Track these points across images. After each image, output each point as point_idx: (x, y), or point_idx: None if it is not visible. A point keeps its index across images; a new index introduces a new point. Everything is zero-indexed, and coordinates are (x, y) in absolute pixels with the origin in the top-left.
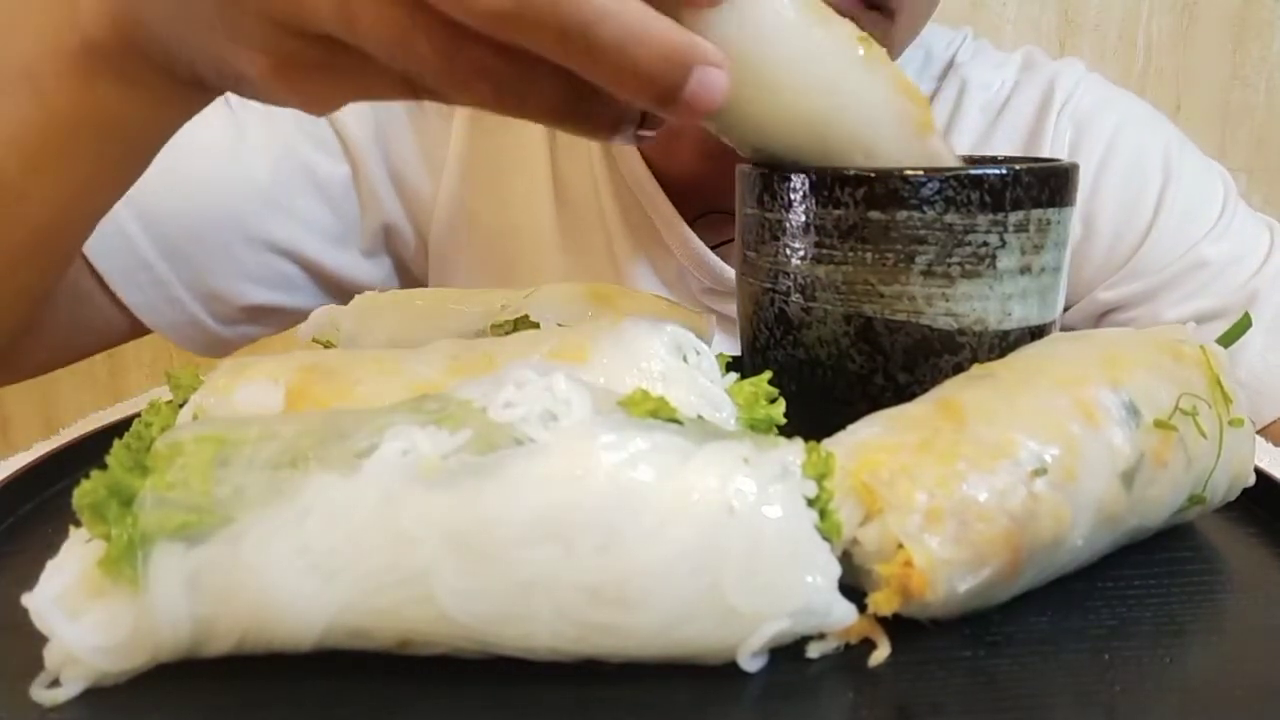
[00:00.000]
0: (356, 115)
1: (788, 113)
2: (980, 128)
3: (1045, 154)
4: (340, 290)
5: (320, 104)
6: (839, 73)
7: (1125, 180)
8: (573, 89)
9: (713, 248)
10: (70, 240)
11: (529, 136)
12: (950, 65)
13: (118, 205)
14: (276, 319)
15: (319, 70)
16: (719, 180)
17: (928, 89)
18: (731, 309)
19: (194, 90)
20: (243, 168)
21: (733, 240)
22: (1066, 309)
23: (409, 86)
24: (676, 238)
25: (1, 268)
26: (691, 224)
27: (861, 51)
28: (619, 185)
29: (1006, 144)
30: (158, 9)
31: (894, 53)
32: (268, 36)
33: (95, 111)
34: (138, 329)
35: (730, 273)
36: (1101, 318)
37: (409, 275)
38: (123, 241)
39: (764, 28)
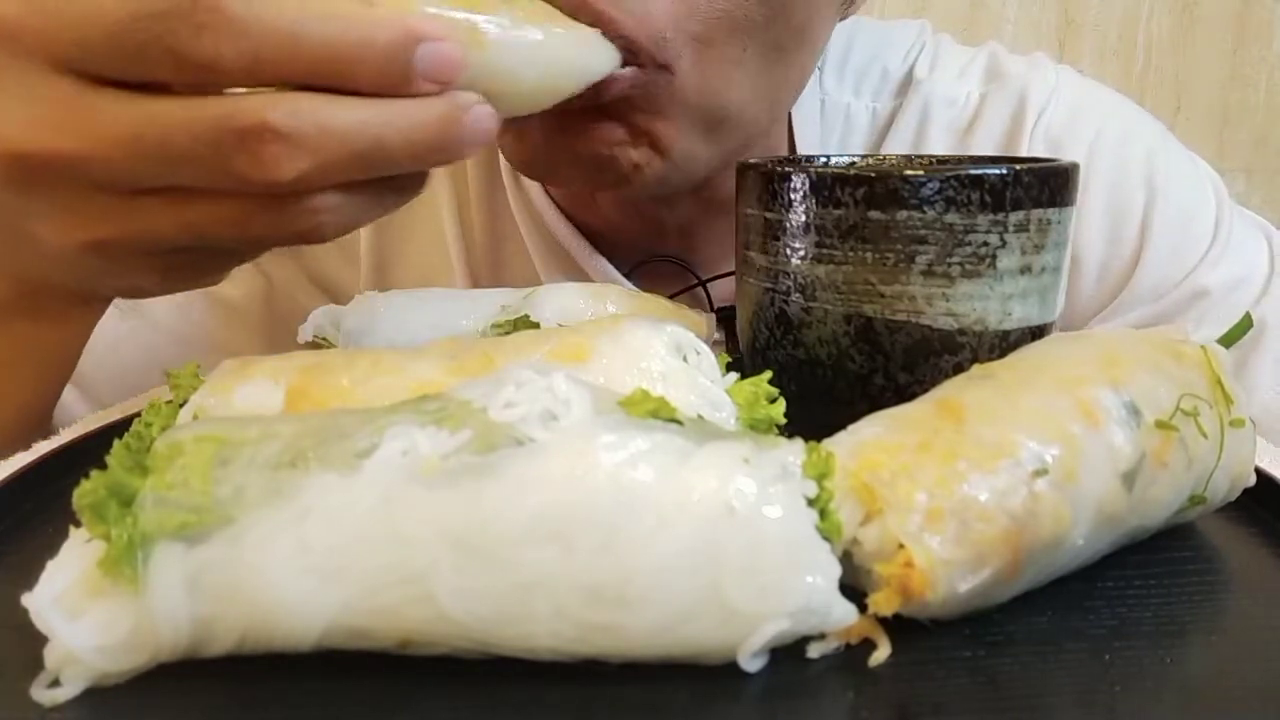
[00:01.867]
0: None
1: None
2: (948, 148)
3: None
4: None
5: (205, 281)
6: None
7: (1107, 204)
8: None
9: None
10: (33, 423)
11: (432, 210)
12: (909, 80)
13: None
14: None
15: (190, 265)
16: (648, 228)
17: (886, 107)
18: None
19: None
20: (146, 315)
21: (677, 292)
22: None
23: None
24: None
25: None
26: (629, 274)
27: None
28: (549, 243)
29: None
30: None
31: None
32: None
33: (24, 342)
34: None
35: None
36: None
37: None
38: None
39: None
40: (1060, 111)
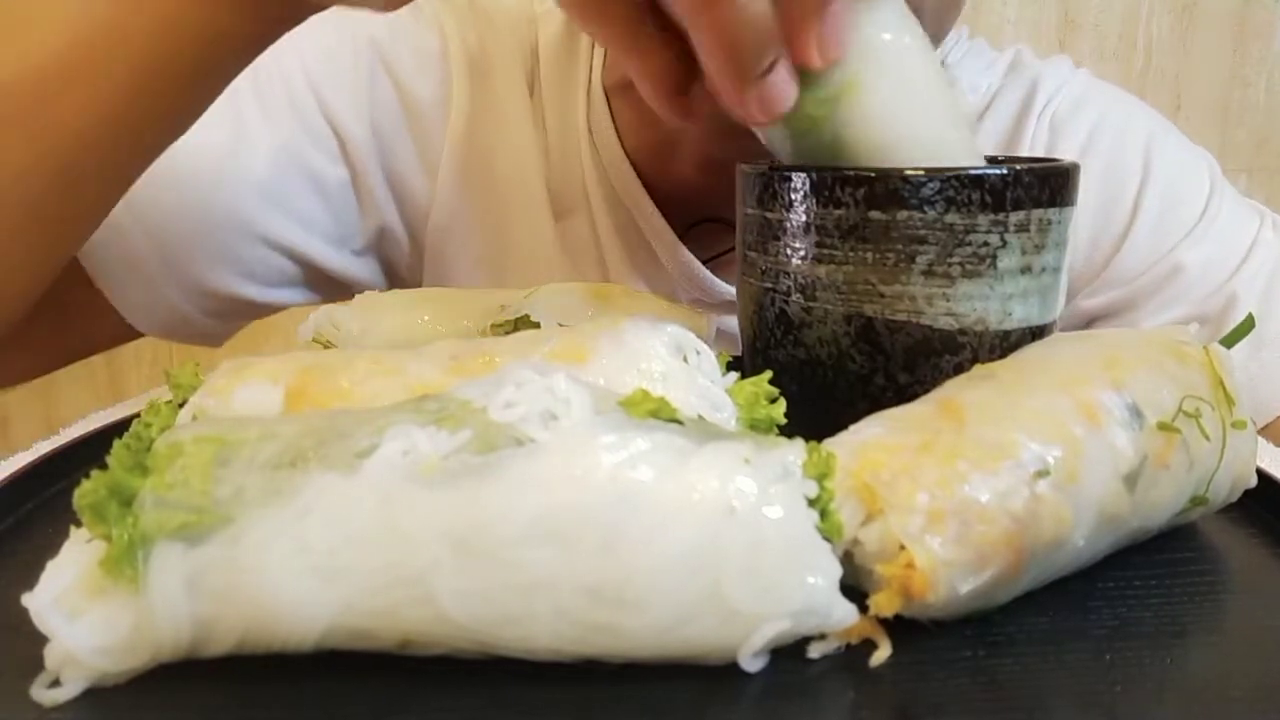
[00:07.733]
0: (355, 116)
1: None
2: None
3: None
4: (333, 287)
5: None
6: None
7: (1101, 184)
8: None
9: (707, 260)
10: (95, 181)
11: (521, 142)
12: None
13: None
14: (267, 312)
15: None
16: (716, 190)
17: None
18: (722, 321)
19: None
20: (242, 166)
21: (726, 253)
22: None
23: None
24: (667, 250)
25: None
26: (685, 233)
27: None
28: (610, 195)
29: (985, 147)
30: None
31: None
32: None
33: (151, 14)
34: (122, 332)
35: (721, 286)
36: (1087, 326)
37: (397, 277)
38: (115, 236)
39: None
40: (1067, 99)
